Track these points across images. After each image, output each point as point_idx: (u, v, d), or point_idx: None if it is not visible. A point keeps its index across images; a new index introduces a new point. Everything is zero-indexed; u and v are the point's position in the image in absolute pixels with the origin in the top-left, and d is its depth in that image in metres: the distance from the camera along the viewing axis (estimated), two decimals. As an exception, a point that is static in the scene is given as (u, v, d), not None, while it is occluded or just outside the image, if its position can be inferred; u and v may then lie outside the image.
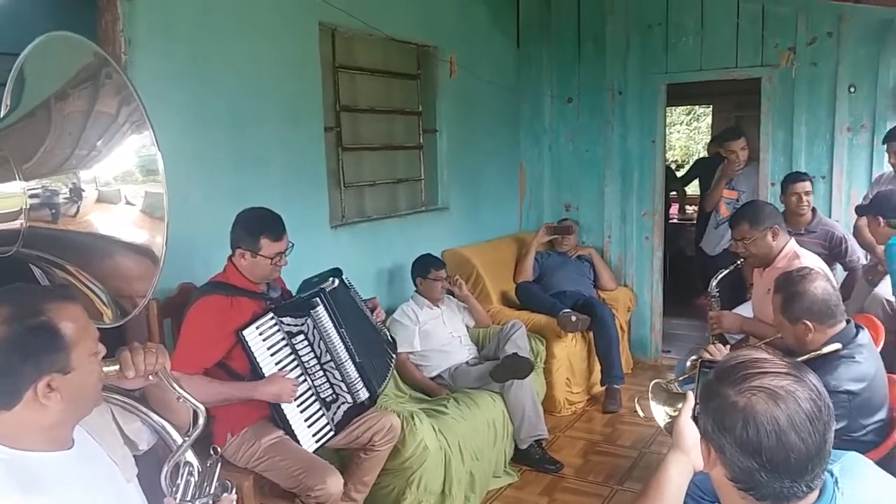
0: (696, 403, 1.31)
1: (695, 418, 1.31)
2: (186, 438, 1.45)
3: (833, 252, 3.69)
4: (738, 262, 3.02)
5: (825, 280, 2.22)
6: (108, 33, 2.58)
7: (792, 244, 2.89)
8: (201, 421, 1.43)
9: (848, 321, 2.20)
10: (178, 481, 1.44)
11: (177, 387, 1.41)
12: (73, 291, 1.34)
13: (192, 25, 2.80)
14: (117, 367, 1.35)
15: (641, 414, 2.15)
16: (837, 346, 2.10)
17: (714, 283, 3.11)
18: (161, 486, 1.43)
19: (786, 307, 2.21)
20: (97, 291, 1.41)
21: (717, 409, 1.10)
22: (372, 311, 2.86)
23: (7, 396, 1.18)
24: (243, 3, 3.01)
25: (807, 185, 3.74)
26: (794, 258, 2.81)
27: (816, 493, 1.11)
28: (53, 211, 1.27)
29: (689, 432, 1.31)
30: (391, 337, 2.99)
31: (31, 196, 1.24)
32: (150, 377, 1.41)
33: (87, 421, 1.34)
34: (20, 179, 1.22)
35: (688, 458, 1.30)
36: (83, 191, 1.29)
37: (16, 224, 1.23)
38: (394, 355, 2.90)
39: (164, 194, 1.34)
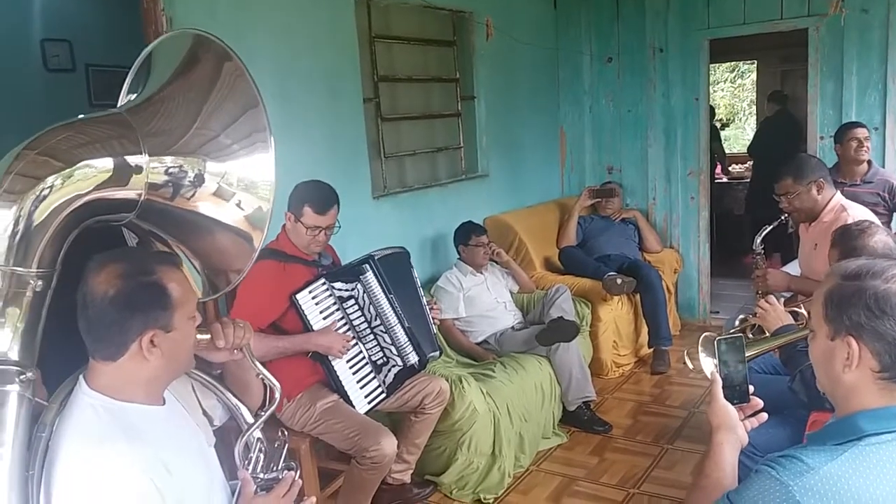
0: (725, 369, 1.36)
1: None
2: (261, 414, 1.54)
3: (892, 203, 3.57)
4: (783, 218, 2.96)
5: (886, 234, 2.14)
6: (150, 13, 2.63)
7: (838, 197, 2.80)
8: (277, 396, 1.51)
9: None
10: (251, 454, 1.52)
11: (258, 363, 1.50)
12: (178, 259, 1.43)
13: (230, 3, 2.83)
14: (209, 336, 1.43)
15: (691, 366, 2.16)
16: None
17: (758, 239, 3.04)
18: (234, 459, 1.51)
19: None
20: (193, 268, 1.49)
21: (872, 298, 1.14)
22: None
23: (115, 347, 1.27)
24: (280, -23, 3.04)
25: (865, 132, 3.61)
26: (842, 211, 2.74)
27: None
28: (174, 189, 1.34)
29: (730, 409, 1.36)
30: (438, 345, 2.89)
31: (159, 172, 1.30)
32: (236, 351, 1.49)
33: (173, 387, 1.43)
34: (145, 154, 1.29)
35: (734, 434, 1.35)
36: (205, 180, 1.36)
37: (133, 194, 1.29)
38: (436, 353, 2.82)
39: (268, 213, 1.43)
